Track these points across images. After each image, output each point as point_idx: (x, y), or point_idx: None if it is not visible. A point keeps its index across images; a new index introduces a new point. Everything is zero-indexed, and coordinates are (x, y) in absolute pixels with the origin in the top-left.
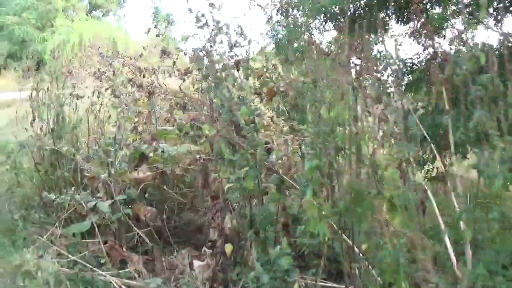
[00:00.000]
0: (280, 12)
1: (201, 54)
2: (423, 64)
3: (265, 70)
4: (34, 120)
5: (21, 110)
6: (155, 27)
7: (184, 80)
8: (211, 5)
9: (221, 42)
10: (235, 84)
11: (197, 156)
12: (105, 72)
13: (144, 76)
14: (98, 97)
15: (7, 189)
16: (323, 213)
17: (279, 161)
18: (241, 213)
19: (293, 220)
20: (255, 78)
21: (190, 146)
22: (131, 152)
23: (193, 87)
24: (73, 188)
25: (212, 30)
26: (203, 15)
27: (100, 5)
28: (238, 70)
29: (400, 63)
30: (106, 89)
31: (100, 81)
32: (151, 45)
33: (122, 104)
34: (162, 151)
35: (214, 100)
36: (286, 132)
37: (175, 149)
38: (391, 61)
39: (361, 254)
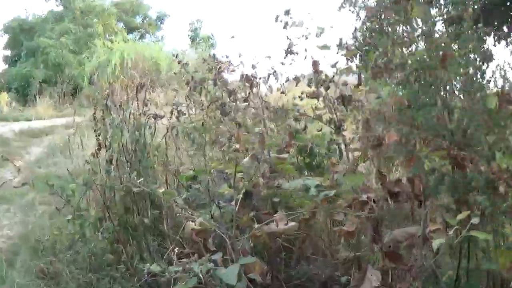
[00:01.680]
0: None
1: None
2: None
3: None
4: (99, 149)
5: (62, 138)
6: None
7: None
8: None
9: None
10: None
11: (365, 196)
12: (204, 82)
13: (252, 87)
14: (178, 118)
15: (69, 246)
16: None
17: None
18: None
19: None
20: None
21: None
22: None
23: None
24: (177, 255)
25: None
26: None
27: (138, 27)
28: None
29: None
30: (210, 104)
31: (200, 94)
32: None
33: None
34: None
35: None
36: None
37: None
38: None
39: None
